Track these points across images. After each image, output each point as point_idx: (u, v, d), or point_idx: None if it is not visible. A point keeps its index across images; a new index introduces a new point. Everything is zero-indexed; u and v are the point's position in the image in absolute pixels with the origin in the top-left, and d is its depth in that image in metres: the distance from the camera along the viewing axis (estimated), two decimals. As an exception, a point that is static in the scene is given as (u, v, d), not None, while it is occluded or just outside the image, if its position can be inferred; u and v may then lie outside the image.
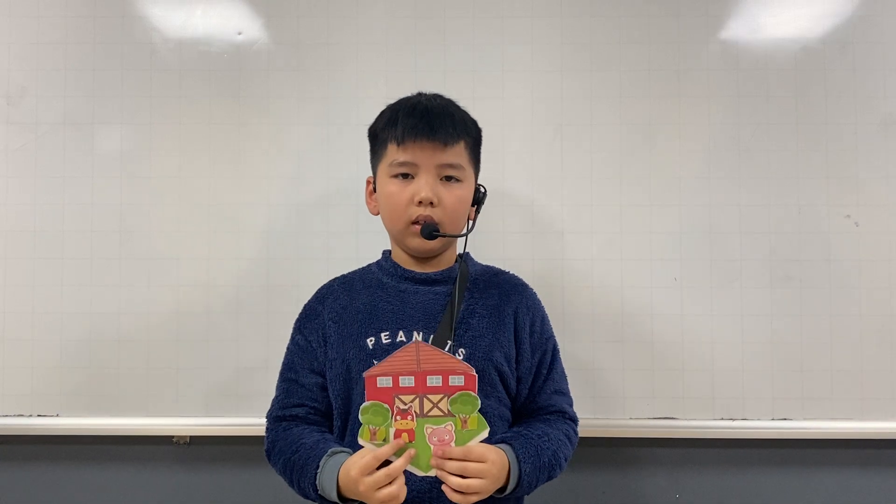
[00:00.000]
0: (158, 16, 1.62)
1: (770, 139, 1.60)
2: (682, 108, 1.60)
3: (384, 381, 1.07)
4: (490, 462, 1.08)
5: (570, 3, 1.61)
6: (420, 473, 1.08)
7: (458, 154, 1.22)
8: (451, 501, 1.07)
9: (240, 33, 1.62)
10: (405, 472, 1.06)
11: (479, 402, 1.08)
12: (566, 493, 1.63)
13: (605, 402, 1.58)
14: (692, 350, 1.58)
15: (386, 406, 1.07)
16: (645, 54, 1.61)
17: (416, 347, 1.09)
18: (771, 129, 1.60)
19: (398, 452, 1.06)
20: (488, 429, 1.09)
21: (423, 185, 1.19)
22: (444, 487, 1.06)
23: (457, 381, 1.08)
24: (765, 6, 1.61)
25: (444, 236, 1.22)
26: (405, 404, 1.07)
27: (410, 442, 1.07)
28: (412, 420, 1.07)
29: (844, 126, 1.60)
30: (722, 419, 1.58)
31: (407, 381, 1.07)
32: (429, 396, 1.07)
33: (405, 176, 1.22)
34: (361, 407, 1.07)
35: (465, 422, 1.08)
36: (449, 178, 1.22)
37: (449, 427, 1.07)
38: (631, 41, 1.61)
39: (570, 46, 1.61)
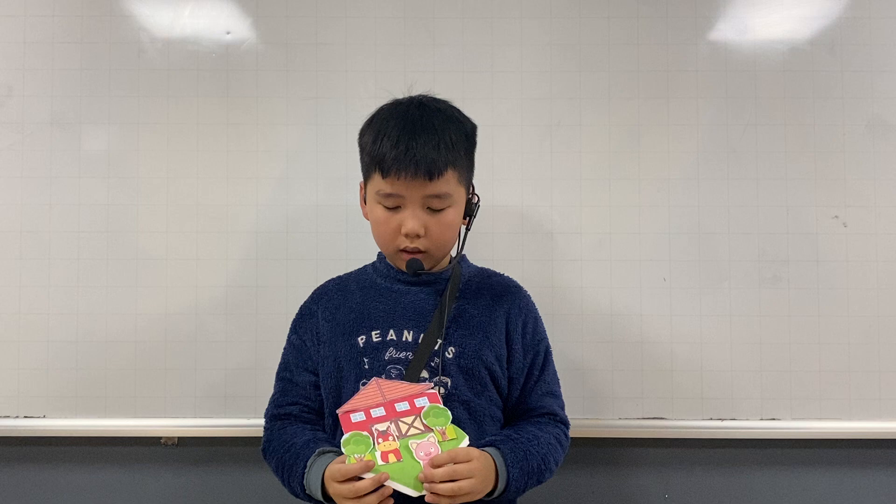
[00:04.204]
0: (146, 15, 1.61)
1: (758, 140, 1.60)
2: (671, 109, 1.60)
3: (358, 416, 1.10)
4: (476, 459, 1.07)
5: (559, 4, 1.61)
6: (415, 494, 1.05)
7: (445, 183, 1.17)
8: None
9: (228, 33, 1.61)
10: (400, 494, 1.05)
11: (450, 413, 1.10)
12: (555, 493, 1.63)
13: (594, 403, 1.58)
14: (681, 350, 1.59)
15: (365, 434, 1.08)
16: (634, 55, 1.61)
17: (377, 384, 1.13)
18: (759, 130, 1.60)
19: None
20: (467, 437, 1.09)
21: (409, 218, 1.17)
22: (429, 498, 1.04)
23: (422, 402, 1.11)
24: (754, 8, 1.61)
25: (429, 273, 1.23)
26: (383, 430, 1.08)
27: (399, 461, 1.05)
28: (394, 440, 1.07)
29: (832, 127, 1.60)
30: (711, 419, 1.59)
31: (378, 412, 1.10)
32: (402, 420, 1.09)
33: (392, 204, 1.19)
34: (342, 440, 1.07)
35: (444, 433, 1.08)
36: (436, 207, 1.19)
37: (432, 439, 1.07)
38: (620, 42, 1.61)
39: (559, 47, 1.61)
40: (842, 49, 1.60)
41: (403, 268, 1.23)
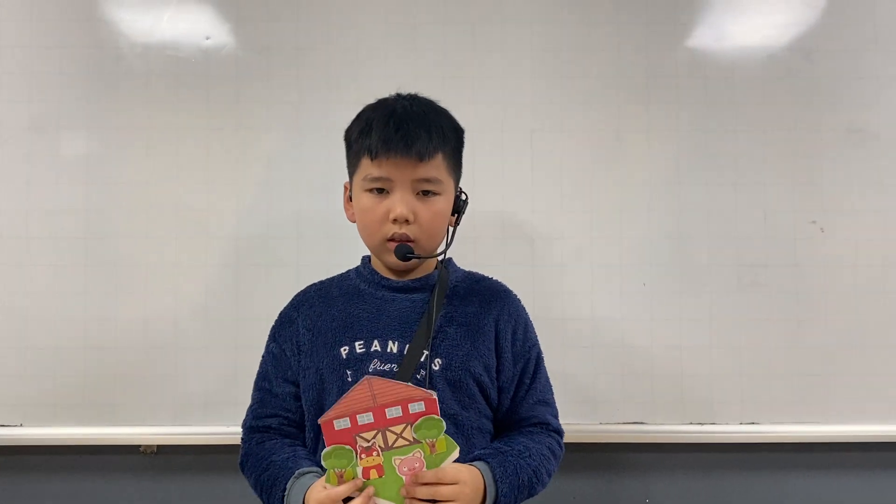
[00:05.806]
0: (125, 20, 1.60)
1: (737, 146, 1.61)
2: (651, 115, 1.61)
3: (342, 423, 1.01)
4: (462, 482, 1.04)
5: (540, 10, 1.62)
6: None
7: (435, 167, 1.15)
8: None
9: (208, 38, 1.61)
10: None
11: (444, 424, 1.03)
12: (536, 498, 1.62)
13: (575, 408, 1.57)
14: (661, 355, 1.60)
15: (348, 447, 1.01)
16: (614, 61, 1.62)
17: (369, 384, 1.02)
18: (738, 135, 1.61)
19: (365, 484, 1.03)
20: (458, 448, 1.05)
21: (398, 202, 1.14)
22: None
23: (417, 407, 1.02)
24: (732, 15, 1.63)
25: (419, 258, 1.18)
26: (368, 441, 1.02)
27: (380, 477, 1.02)
28: (378, 455, 1.02)
29: (809, 133, 1.62)
30: (691, 424, 1.59)
31: (366, 419, 1.01)
32: (391, 429, 1.02)
33: (380, 190, 1.16)
34: (323, 453, 1.02)
35: (433, 446, 1.03)
36: (426, 193, 1.16)
37: (418, 454, 1.03)
38: (600, 48, 1.62)
39: (540, 53, 1.62)
40: (819, 55, 1.62)
41: (391, 260, 1.18)
